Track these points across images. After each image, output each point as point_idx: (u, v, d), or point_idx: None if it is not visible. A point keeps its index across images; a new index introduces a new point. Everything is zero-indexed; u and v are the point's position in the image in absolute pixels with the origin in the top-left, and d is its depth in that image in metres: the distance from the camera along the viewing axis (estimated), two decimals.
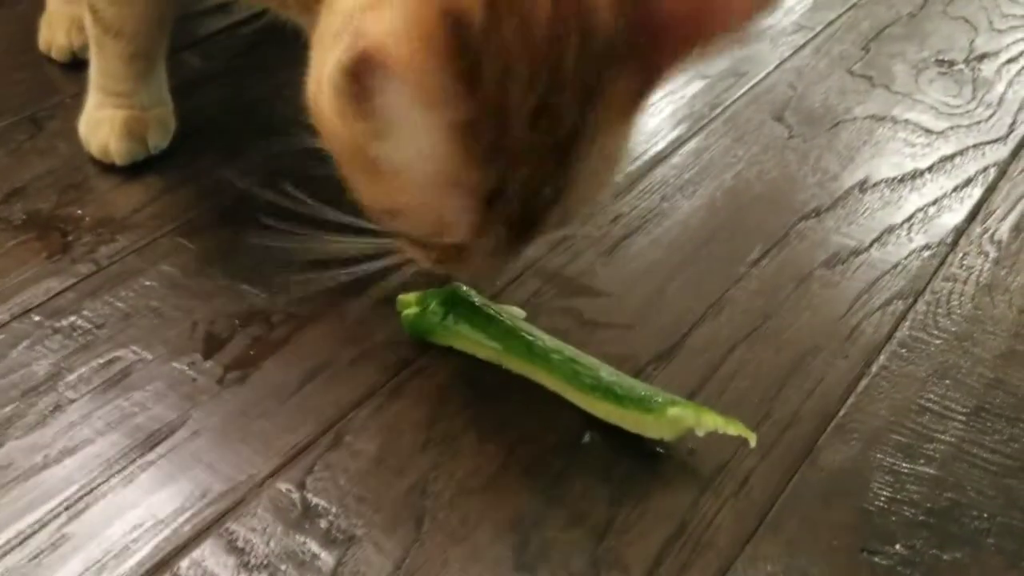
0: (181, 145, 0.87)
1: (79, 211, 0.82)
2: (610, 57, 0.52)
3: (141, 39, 0.81)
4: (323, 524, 0.60)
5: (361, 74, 0.51)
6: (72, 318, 0.73)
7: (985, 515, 0.62)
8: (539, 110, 0.52)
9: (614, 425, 0.65)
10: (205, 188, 0.84)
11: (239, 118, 0.92)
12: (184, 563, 0.58)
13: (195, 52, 1.00)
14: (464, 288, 0.70)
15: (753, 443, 0.61)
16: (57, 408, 0.66)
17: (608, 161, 0.58)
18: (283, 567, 0.58)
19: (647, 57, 0.53)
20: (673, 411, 0.62)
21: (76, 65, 0.95)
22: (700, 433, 0.62)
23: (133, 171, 0.86)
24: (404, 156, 0.55)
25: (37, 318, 0.73)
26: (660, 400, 0.63)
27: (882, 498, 0.63)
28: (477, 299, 0.70)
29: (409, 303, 0.71)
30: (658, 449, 0.64)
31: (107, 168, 0.86)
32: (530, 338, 0.68)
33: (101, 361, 0.70)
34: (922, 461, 0.65)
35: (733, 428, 0.61)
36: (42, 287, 0.75)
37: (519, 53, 0.51)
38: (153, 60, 0.84)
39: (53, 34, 0.97)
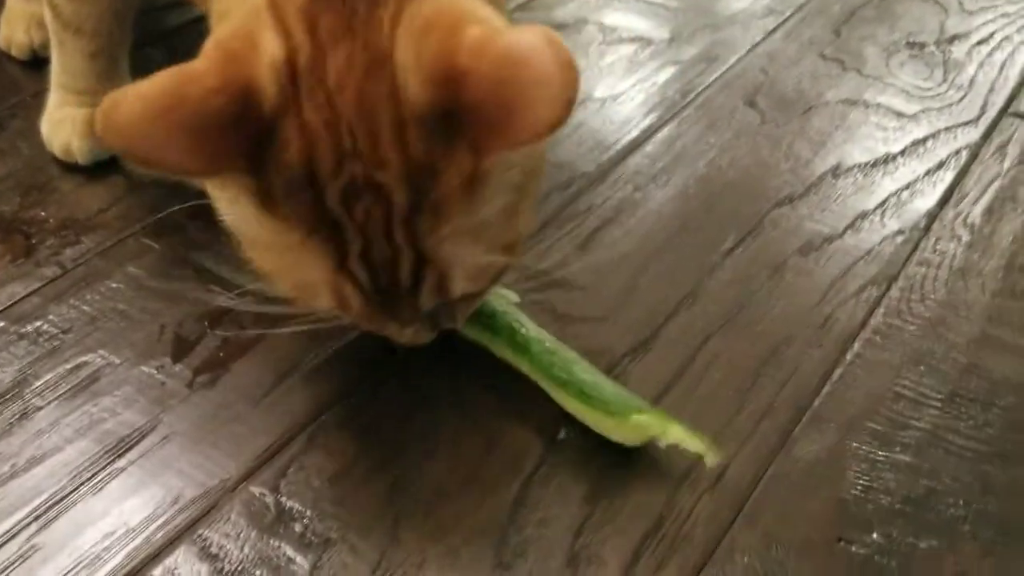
0: None
1: (42, 212, 0.81)
2: (433, 136, 0.50)
3: (102, 37, 0.80)
4: (298, 528, 0.59)
5: None
6: (38, 323, 0.71)
7: (961, 502, 0.62)
8: (356, 185, 0.51)
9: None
10: (169, 187, 0.83)
11: None
12: (157, 571, 0.57)
13: (159, 47, 0.98)
14: None
15: (712, 463, 0.60)
16: (24, 416, 0.65)
17: (479, 235, 0.55)
18: (258, 572, 0.57)
19: (470, 136, 0.50)
20: (637, 419, 0.61)
21: (37, 63, 0.93)
22: (662, 444, 0.61)
23: (96, 171, 0.84)
24: (244, 222, 0.55)
25: (1, 324, 0.71)
26: (627, 405, 0.62)
27: (858, 487, 0.63)
28: None
29: None
30: (634, 446, 0.64)
31: (70, 168, 0.84)
32: (516, 324, 0.67)
33: (68, 367, 0.68)
34: (898, 449, 0.65)
35: (694, 444, 0.60)
36: (6, 292, 0.74)
37: (321, 128, 0.50)
38: (115, 58, 0.82)
39: (12, 31, 0.95)
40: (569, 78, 0.46)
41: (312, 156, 0.50)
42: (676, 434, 0.61)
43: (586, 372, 0.65)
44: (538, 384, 0.66)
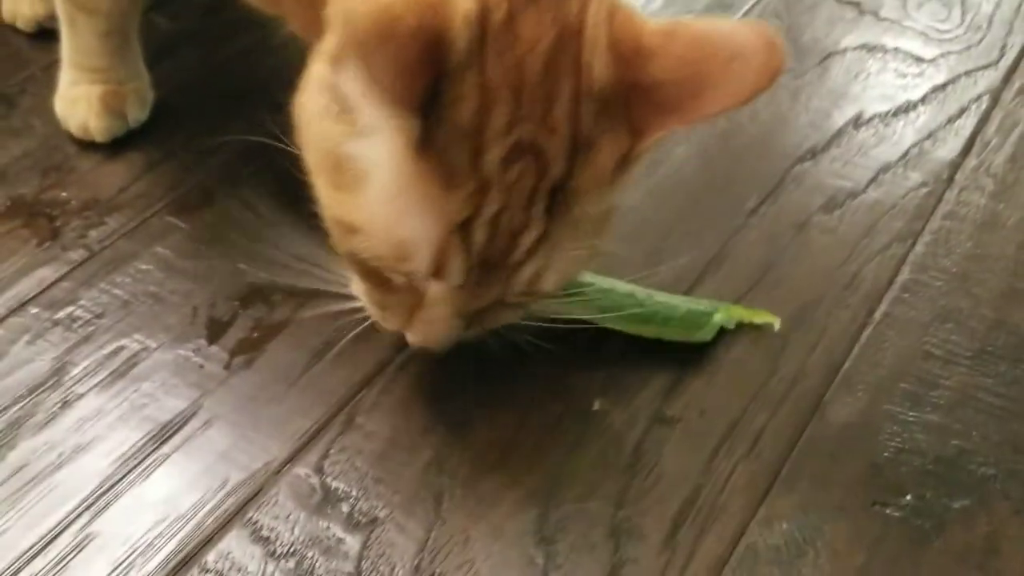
0: (158, 115, 0.85)
1: (63, 193, 0.80)
2: (602, 113, 0.53)
3: (115, 16, 0.78)
4: (345, 508, 0.61)
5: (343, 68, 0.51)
6: (70, 308, 0.72)
7: (992, 460, 0.63)
8: (520, 147, 0.52)
9: (625, 383, 0.66)
10: (187, 161, 0.83)
11: (213, 82, 0.89)
12: (211, 556, 0.58)
13: (163, 13, 0.97)
14: None
15: (777, 326, 0.69)
16: (65, 404, 0.66)
17: (589, 228, 0.56)
18: (310, 554, 0.58)
19: (636, 118, 0.53)
20: (716, 319, 0.69)
21: (43, 35, 0.92)
22: (731, 326, 0.69)
23: (114, 147, 0.84)
24: (370, 162, 0.54)
25: (35, 311, 0.71)
26: (700, 314, 0.69)
27: (890, 449, 0.64)
28: None
29: None
30: (669, 414, 0.65)
31: (87, 146, 0.84)
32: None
33: (105, 352, 0.69)
34: (928, 409, 0.66)
35: (759, 317, 0.69)
36: (35, 277, 0.74)
37: (502, 88, 0.52)
38: (127, 34, 0.81)
39: (16, 4, 0.93)
40: (774, 46, 0.50)
41: (486, 113, 0.52)
42: (740, 314, 0.69)
43: (650, 301, 0.68)
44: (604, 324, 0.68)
